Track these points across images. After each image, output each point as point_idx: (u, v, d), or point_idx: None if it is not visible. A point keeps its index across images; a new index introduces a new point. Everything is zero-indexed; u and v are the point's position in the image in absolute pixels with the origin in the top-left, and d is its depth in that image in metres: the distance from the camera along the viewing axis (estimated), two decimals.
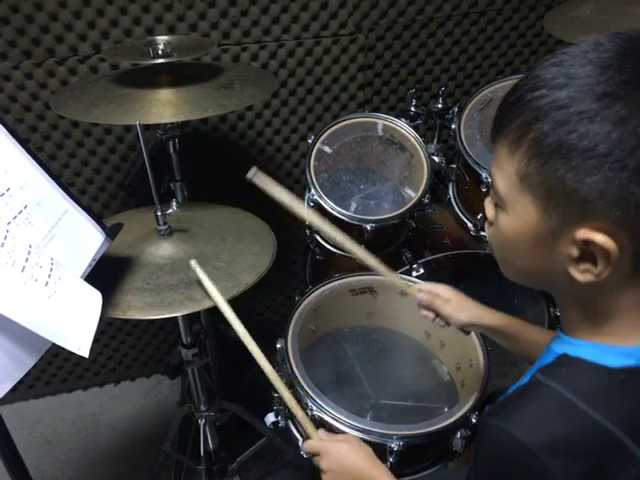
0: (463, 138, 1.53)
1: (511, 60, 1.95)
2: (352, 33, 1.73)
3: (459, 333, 1.19)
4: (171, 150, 1.43)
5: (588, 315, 0.64)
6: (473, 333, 1.20)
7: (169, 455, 1.65)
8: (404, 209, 1.44)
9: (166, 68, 1.29)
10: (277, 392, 0.98)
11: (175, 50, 1.28)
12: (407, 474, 1.10)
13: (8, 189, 0.84)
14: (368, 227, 1.39)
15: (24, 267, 0.78)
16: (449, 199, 1.66)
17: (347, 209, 1.45)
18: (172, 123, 1.36)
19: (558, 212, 0.57)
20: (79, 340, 0.82)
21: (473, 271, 1.44)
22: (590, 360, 0.62)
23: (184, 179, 1.51)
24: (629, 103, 0.52)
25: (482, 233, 1.54)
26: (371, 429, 1.02)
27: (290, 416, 1.18)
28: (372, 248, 1.12)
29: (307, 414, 1.02)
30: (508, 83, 1.57)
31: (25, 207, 0.86)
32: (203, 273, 1.05)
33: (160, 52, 1.28)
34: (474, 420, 1.06)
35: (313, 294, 1.31)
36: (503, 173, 0.62)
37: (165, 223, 1.15)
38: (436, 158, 1.63)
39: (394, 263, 1.19)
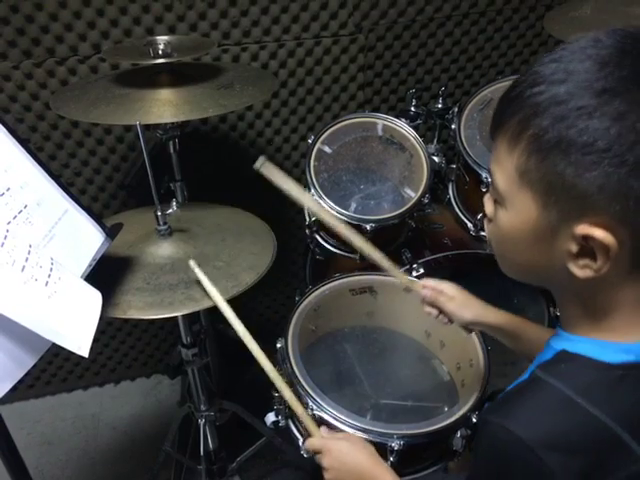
0: (463, 138, 1.53)
1: (511, 60, 1.95)
2: (352, 33, 1.73)
3: (459, 333, 1.20)
4: (171, 150, 1.43)
5: (587, 311, 0.64)
6: (473, 333, 1.20)
7: (169, 455, 1.65)
8: (404, 209, 1.44)
9: (166, 68, 1.29)
10: (278, 391, 0.98)
11: (175, 50, 1.28)
12: (407, 473, 1.10)
13: (8, 189, 0.84)
14: (368, 227, 1.39)
15: (24, 267, 0.78)
16: (449, 199, 1.66)
17: (347, 209, 1.45)
18: (172, 123, 1.36)
19: (557, 208, 0.57)
20: (79, 340, 0.82)
21: (473, 271, 1.44)
22: (589, 356, 0.62)
23: (184, 179, 1.51)
24: (628, 99, 0.53)
25: (482, 233, 1.54)
26: (371, 428, 1.02)
27: (290, 415, 1.18)
28: (365, 256, 1.12)
29: (308, 412, 1.02)
30: (508, 83, 1.54)
31: (25, 207, 0.86)
32: (202, 273, 1.05)
33: (160, 52, 1.28)
34: (474, 420, 1.06)
35: (313, 294, 1.31)
36: (502, 169, 0.62)
37: (165, 223, 1.15)
38: (436, 158, 1.63)
39: (394, 263, 1.19)
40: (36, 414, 2.07)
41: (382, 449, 1.00)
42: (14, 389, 0.78)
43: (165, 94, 1.22)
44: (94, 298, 0.90)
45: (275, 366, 0.96)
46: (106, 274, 1.03)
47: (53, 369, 2.06)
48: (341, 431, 1.02)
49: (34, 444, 1.97)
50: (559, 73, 0.56)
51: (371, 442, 0.97)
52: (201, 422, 1.52)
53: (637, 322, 0.62)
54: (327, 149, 1.53)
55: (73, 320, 0.82)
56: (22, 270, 0.78)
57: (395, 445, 1.00)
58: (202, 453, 1.55)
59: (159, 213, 1.13)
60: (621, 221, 0.54)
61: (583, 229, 0.56)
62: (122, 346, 2.09)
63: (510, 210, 0.63)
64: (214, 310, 1.03)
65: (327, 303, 1.32)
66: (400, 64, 1.84)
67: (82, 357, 0.81)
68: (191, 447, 1.74)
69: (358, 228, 1.41)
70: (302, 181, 1.92)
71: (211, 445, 1.56)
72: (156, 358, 2.17)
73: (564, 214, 0.57)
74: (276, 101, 1.78)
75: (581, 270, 0.59)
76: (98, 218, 1.01)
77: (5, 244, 0.78)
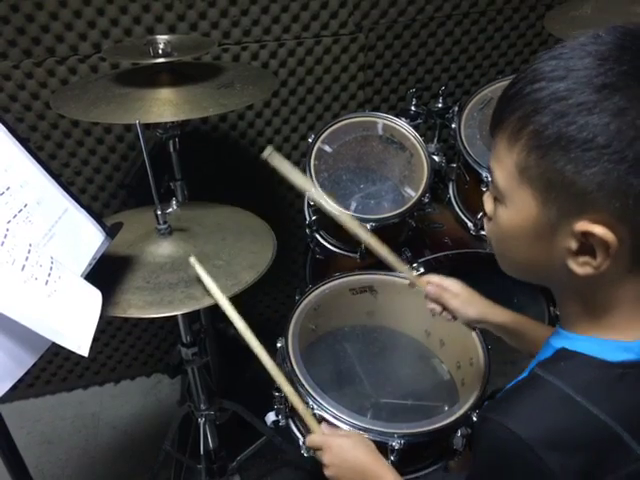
0: (463, 137, 1.53)
1: (511, 60, 1.95)
2: (352, 32, 1.73)
3: (459, 332, 1.20)
4: (171, 149, 1.43)
5: (587, 309, 0.64)
6: (473, 332, 1.20)
7: (169, 454, 1.65)
8: (404, 208, 1.44)
9: (166, 67, 1.29)
10: (278, 390, 0.97)
11: (175, 49, 1.28)
12: (408, 472, 1.10)
13: (8, 188, 0.84)
14: (368, 226, 1.39)
15: (24, 266, 0.78)
16: (449, 198, 1.66)
17: (347, 208, 1.45)
18: (172, 122, 1.36)
19: (557, 204, 0.57)
20: (79, 339, 0.82)
21: (473, 270, 1.44)
22: (589, 354, 0.62)
23: (184, 178, 1.52)
24: (628, 94, 0.53)
25: (482, 232, 1.54)
26: (372, 428, 1.02)
27: (291, 415, 1.18)
28: (370, 250, 1.12)
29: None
30: (508, 82, 1.57)
31: (25, 206, 0.86)
32: (202, 269, 1.04)
33: (160, 51, 1.28)
34: (474, 418, 1.06)
35: (313, 293, 1.31)
36: (502, 166, 0.62)
37: (165, 222, 1.15)
38: (436, 157, 1.63)
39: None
40: (36, 413, 2.07)
41: (383, 448, 1.00)
42: (14, 388, 0.78)
43: (165, 93, 1.22)
44: (94, 297, 0.89)
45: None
46: (106, 273, 1.03)
47: (53, 368, 2.06)
48: (341, 430, 1.02)
49: (34, 443, 1.97)
50: (559, 70, 0.56)
51: (372, 441, 0.97)
52: (201, 421, 1.52)
53: (637, 320, 0.62)
54: (327, 148, 1.53)
55: (73, 319, 0.82)
56: (22, 269, 0.78)
57: (395, 444, 1.01)
58: (202, 452, 1.55)
59: (159, 212, 1.13)
60: (621, 218, 0.54)
61: (583, 226, 0.56)
62: (122, 345, 2.09)
63: (510, 207, 0.63)
64: (214, 309, 1.03)
65: (327, 302, 1.32)
66: (400, 63, 1.84)
67: (82, 356, 0.81)
68: (191, 446, 1.74)
69: None
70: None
71: (211, 444, 1.56)
72: (156, 357, 2.17)
73: (564, 211, 0.57)
74: (276, 100, 1.78)
75: (581, 267, 0.59)
76: (98, 217, 1.01)
77: (5, 243, 0.78)
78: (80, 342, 0.82)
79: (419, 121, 1.66)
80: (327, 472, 0.90)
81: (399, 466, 1.01)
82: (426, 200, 1.47)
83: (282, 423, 1.19)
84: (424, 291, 1.07)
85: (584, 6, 1.42)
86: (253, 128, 1.81)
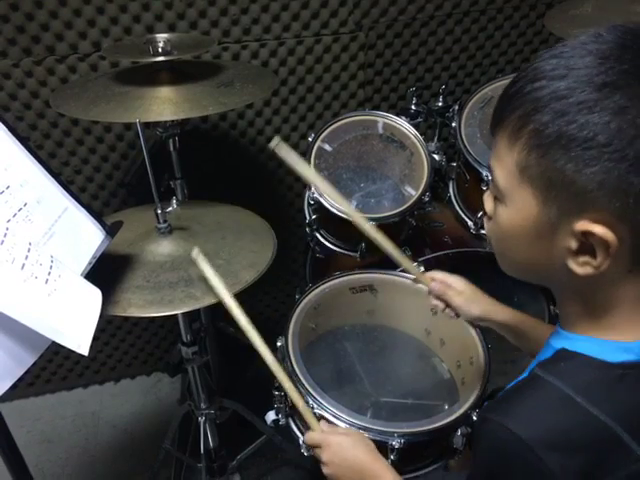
0: (463, 136, 1.53)
1: (512, 58, 1.95)
2: (352, 31, 1.73)
3: (459, 331, 1.20)
4: (171, 148, 1.43)
5: (587, 309, 0.64)
6: (474, 331, 1.20)
7: (169, 453, 1.65)
8: (404, 207, 1.44)
9: (166, 66, 1.29)
10: (279, 389, 0.97)
11: (175, 48, 1.28)
12: (408, 471, 1.10)
13: (8, 187, 0.84)
14: (369, 224, 1.39)
15: (24, 265, 0.78)
16: (449, 197, 1.66)
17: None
18: (172, 121, 1.36)
19: (557, 204, 0.57)
20: (79, 338, 0.82)
21: (473, 269, 1.43)
22: (589, 355, 0.62)
23: (184, 177, 1.51)
24: (629, 93, 0.52)
25: (482, 231, 1.53)
26: (372, 427, 1.02)
27: (291, 414, 1.18)
28: (372, 246, 1.12)
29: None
30: (508, 81, 1.57)
31: (25, 205, 0.86)
32: (204, 261, 1.03)
33: (160, 50, 1.27)
34: (475, 418, 1.06)
35: (313, 292, 1.31)
36: (503, 165, 0.62)
37: (165, 221, 1.15)
38: (436, 156, 1.62)
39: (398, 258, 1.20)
40: (36, 412, 2.08)
41: (383, 447, 1.00)
42: (14, 387, 0.78)
43: (165, 92, 1.22)
44: (94, 296, 0.89)
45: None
46: (106, 272, 1.03)
47: (53, 367, 2.06)
48: (340, 427, 1.02)
49: (34, 442, 1.97)
50: (560, 68, 0.56)
51: (372, 440, 0.97)
52: (201, 420, 1.52)
53: (637, 320, 0.61)
54: (327, 147, 1.53)
55: (73, 318, 0.82)
56: (22, 268, 0.78)
57: (395, 443, 1.00)
58: (202, 451, 1.55)
59: (159, 211, 1.13)
60: (621, 217, 0.54)
61: (583, 225, 0.56)
62: (122, 344, 2.09)
63: (510, 207, 0.63)
64: (214, 308, 1.03)
65: (327, 301, 1.32)
66: (400, 62, 1.84)
67: (82, 355, 0.81)
68: (191, 445, 1.74)
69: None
70: (302, 179, 1.93)
71: (211, 443, 1.56)
72: (156, 356, 2.17)
73: (564, 210, 0.57)
74: (276, 99, 1.77)
75: (581, 267, 0.58)
76: (98, 216, 1.01)
77: (5, 242, 0.78)
78: (80, 341, 0.82)
79: (419, 120, 1.65)
80: (326, 470, 0.90)
81: (399, 465, 1.01)
82: (426, 199, 1.47)
83: (282, 422, 1.19)
84: (428, 287, 1.07)
85: (584, 5, 1.42)
86: (253, 127, 1.81)
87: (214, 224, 1.25)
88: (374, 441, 0.97)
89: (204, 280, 1.03)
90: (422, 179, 1.48)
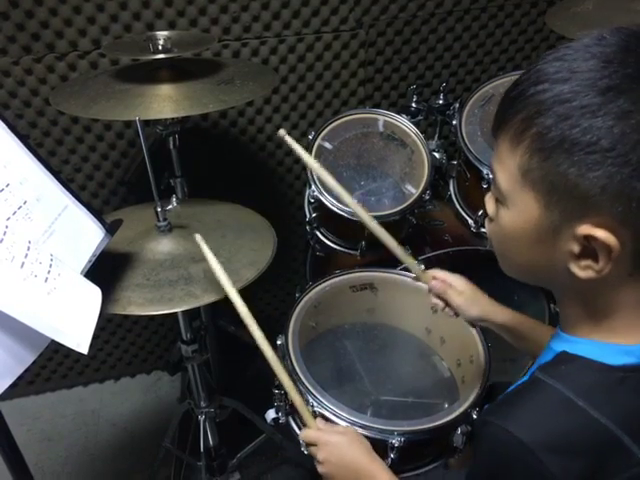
0: (464, 134, 1.52)
1: (512, 56, 1.94)
2: (353, 29, 1.72)
3: (460, 329, 1.19)
4: (171, 146, 1.43)
5: (588, 312, 0.63)
6: (474, 329, 1.20)
7: (169, 451, 1.65)
8: (405, 205, 1.44)
9: (166, 63, 1.28)
10: (279, 385, 0.96)
11: (175, 45, 1.28)
12: (408, 470, 1.10)
13: (8, 185, 0.84)
14: (372, 220, 1.39)
15: (23, 263, 0.78)
16: (450, 196, 1.65)
17: (348, 205, 1.44)
18: (172, 119, 1.36)
19: (560, 207, 0.57)
20: (78, 337, 0.82)
21: (473, 268, 1.43)
22: (590, 358, 0.61)
23: (184, 175, 1.51)
24: (632, 97, 0.52)
25: (482, 230, 1.53)
26: (372, 425, 1.02)
27: (291, 412, 1.18)
28: (373, 244, 1.12)
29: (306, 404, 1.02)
30: (509, 79, 1.57)
31: (25, 203, 0.86)
32: (206, 247, 1.02)
33: (160, 47, 1.27)
34: (475, 416, 1.06)
35: (313, 290, 1.31)
36: (505, 168, 0.61)
37: (165, 219, 1.15)
38: (437, 154, 1.62)
39: (395, 259, 1.19)
40: (36, 410, 2.08)
41: (382, 446, 1.00)
42: (14, 385, 0.77)
43: (165, 90, 1.22)
44: (94, 294, 0.89)
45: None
46: (106, 270, 1.03)
47: (53, 365, 2.06)
48: (337, 425, 1.02)
49: (34, 440, 1.97)
50: (563, 71, 0.56)
51: (372, 439, 0.97)
52: (201, 418, 1.52)
53: (637, 323, 0.61)
54: (328, 145, 1.52)
55: (72, 317, 0.82)
56: (21, 266, 0.78)
57: (395, 442, 1.00)
58: (202, 449, 1.55)
59: (159, 209, 1.13)
60: (623, 222, 0.54)
61: (585, 229, 0.56)
62: (122, 342, 2.09)
63: (512, 209, 0.63)
64: (214, 306, 1.03)
65: (327, 300, 1.32)
66: (401, 60, 1.84)
67: (82, 354, 0.81)
68: (191, 443, 1.74)
69: (359, 224, 1.40)
70: (303, 177, 1.93)
71: (211, 441, 1.55)
72: (156, 355, 2.17)
73: (566, 214, 0.57)
74: (276, 97, 1.77)
75: (582, 271, 0.58)
76: (98, 214, 1.01)
77: (4, 240, 0.78)
78: (80, 340, 0.82)
79: (420, 118, 1.65)
80: (321, 469, 0.90)
81: (399, 464, 1.02)
82: (427, 197, 1.47)
83: (282, 420, 1.19)
84: (428, 286, 1.07)
85: (586, 2, 1.42)
86: (253, 125, 1.81)
87: (214, 222, 1.25)
88: (374, 439, 0.97)
89: (205, 262, 1.01)
90: (422, 177, 1.48)
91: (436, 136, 1.71)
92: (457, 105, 1.59)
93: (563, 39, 1.75)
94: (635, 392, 0.59)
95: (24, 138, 0.90)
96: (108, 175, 1.77)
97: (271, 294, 2.17)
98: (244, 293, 1.05)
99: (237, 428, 1.65)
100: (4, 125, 0.87)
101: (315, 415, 1.02)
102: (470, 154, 1.48)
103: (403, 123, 1.54)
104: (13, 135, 0.88)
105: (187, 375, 1.47)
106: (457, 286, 1.03)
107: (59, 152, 1.68)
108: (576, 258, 0.58)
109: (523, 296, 1.51)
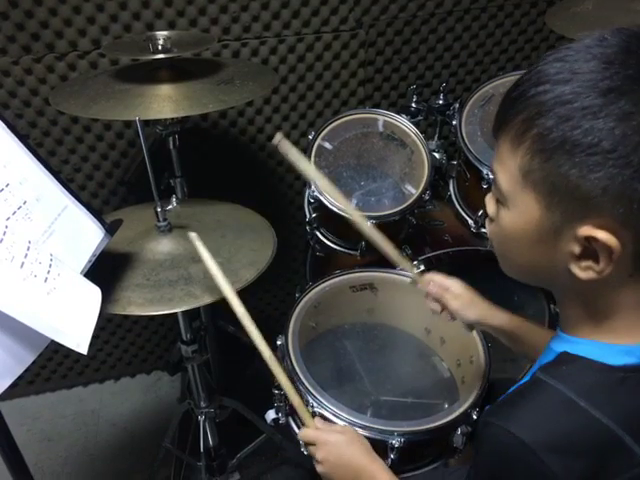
0: (464, 134, 1.52)
1: (512, 56, 1.94)
2: (353, 29, 1.72)
3: (459, 330, 1.19)
4: (171, 146, 1.43)
5: (589, 313, 0.63)
6: (474, 330, 1.20)
7: (169, 451, 1.65)
8: (404, 205, 1.44)
9: (166, 64, 1.28)
10: (278, 385, 0.96)
11: (175, 45, 1.28)
12: (407, 470, 1.10)
13: (7, 185, 0.84)
14: (368, 223, 1.39)
15: (23, 263, 0.78)
16: (450, 196, 1.65)
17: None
18: (172, 119, 1.35)
19: (561, 208, 0.57)
20: (78, 337, 0.82)
21: (473, 268, 1.44)
22: (590, 358, 0.61)
23: (184, 175, 1.51)
24: (634, 98, 0.52)
25: (482, 230, 1.53)
26: (372, 425, 1.02)
27: (290, 412, 1.18)
28: (373, 244, 1.12)
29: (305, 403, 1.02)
30: (509, 79, 1.57)
31: (24, 203, 0.86)
32: (202, 246, 1.01)
33: (160, 47, 1.27)
34: (475, 416, 1.06)
35: (313, 291, 1.31)
36: (505, 169, 0.61)
37: (165, 219, 1.15)
38: (437, 154, 1.62)
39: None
40: (36, 410, 2.07)
41: (382, 446, 1.00)
42: (14, 385, 0.77)
43: (165, 90, 1.22)
44: (93, 294, 0.89)
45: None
46: (106, 270, 1.03)
47: (53, 365, 2.06)
48: (335, 425, 1.01)
49: (34, 440, 1.97)
50: (564, 72, 0.55)
51: (371, 439, 0.97)
52: (201, 419, 1.52)
53: (638, 324, 0.61)
54: (328, 145, 1.52)
55: (72, 316, 0.82)
56: (21, 266, 0.78)
57: (395, 442, 1.00)
58: (202, 450, 1.55)
59: (159, 209, 1.13)
60: (624, 223, 0.54)
61: (586, 230, 0.56)
62: (122, 343, 2.09)
63: (512, 210, 0.63)
64: (214, 306, 1.03)
65: (327, 300, 1.32)
66: (401, 60, 1.84)
67: (82, 354, 0.81)
68: (191, 444, 1.74)
69: None
70: (303, 178, 1.93)
71: (211, 442, 1.55)
72: (156, 355, 2.17)
73: (567, 215, 0.57)
74: (276, 97, 1.77)
75: (583, 272, 0.58)
76: (98, 214, 1.01)
77: (4, 240, 0.78)
78: (79, 340, 0.81)
79: (420, 118, 1.65)
80: (320, 468, 0.89)
81: (399, 464, 1.02)
82: (426, 197, 1.47)
83: (282, 421, 1.19)
84: (426, 290, 1.06)
85: (585, 2, 1.42)
86: (253, 125, 1.81)
87: (214, 222, 1.25)
88: (374, 440, 0.97)
89: (201, 261, 1.01)
90: (422, 177, 1.48)
91: (436, 136, 1.71)
92: (457, 105, 1.59)
93: (563, 39, 1.75)
94: (636, 392, 0.59)
95: (24, 138, 0.90)
96: (108, 175, 1.77)
97: (271, 294, 2.17)
98: (244, 293, 1.05)
99: (237, 428, 1.65)
100: (4, 125, 0.87)
101: (314, 415, 1.02)
102: (470, 154, 1.48)
103: (403, 123, 1.54)
104: (13, 135, 0.88)
105: (187, 375, 1.47)
106: (454, 290, 1.03)
107: (59, 152, 1.68)
108: (577, 259, 0.58)
109: (523, 296, 1.51)
